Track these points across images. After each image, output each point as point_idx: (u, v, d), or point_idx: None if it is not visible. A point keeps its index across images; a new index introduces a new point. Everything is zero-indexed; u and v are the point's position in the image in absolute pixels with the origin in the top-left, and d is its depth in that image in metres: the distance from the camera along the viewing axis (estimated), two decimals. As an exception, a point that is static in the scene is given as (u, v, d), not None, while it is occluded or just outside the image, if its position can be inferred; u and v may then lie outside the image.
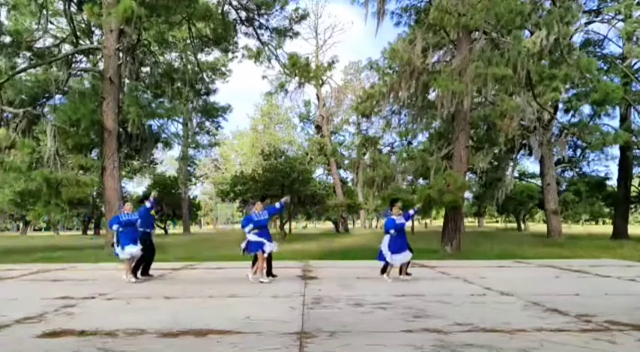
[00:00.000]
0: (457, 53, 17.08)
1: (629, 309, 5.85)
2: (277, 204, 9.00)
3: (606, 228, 36.11)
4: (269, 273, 8.98)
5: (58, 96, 21.85)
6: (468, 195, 27.49)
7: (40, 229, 69.19)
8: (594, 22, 25.00)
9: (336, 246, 20.79)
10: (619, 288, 7.93)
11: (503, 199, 24.82)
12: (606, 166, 44.87)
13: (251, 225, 8.68)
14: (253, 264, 8.93)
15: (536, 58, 16.84)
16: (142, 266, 9.51)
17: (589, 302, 6.36)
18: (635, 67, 25.00)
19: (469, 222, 59.49)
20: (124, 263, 9.31)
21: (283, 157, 39.86)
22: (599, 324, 5.04)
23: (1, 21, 20.64)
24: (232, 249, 17.96)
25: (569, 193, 29.41)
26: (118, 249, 9.09)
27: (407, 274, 9.05)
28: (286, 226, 29.81)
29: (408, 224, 10.54)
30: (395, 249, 8.73)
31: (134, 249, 9.05)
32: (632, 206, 31.03)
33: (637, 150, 26.43)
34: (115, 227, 9.09)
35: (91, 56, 24.23)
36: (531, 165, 39.77)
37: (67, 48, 23.24)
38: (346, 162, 22.64)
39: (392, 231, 8.76)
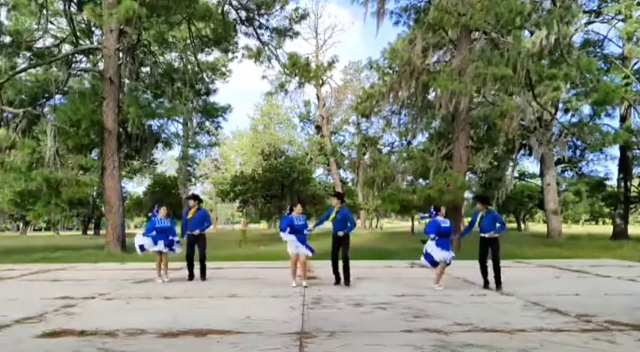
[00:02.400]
0: (457, 53, 17.09)
1: (629, 309, 5.85)
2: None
3: (606, 228, 36.12)
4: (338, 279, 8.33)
5: (58, 96, 21.85)
6: (468, 195, 27.51)
7: (40, 229, 69.24)
8: (594, 22, 25.02)
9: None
10: (619, 288, 7.93)
11: (504, 199, 24.83)
12: (605, 166, 44.91)
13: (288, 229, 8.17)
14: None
15: (536, 57, 16.86)
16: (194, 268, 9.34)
17: (589, 302, 6.36)
18: (636, 67, 25.00)
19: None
20: (156, 263, 9.22)
21: (283, 157, 39.95)
22: (599, 324, 5.04)
23: (1, 21, 20.64)
24: (232, 249, 17.97)
25: (569, 193, 29.40)
26: (142, 243, 8.96)
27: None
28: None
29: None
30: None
31: (157, 248, 8.93)
32: (632, 206, 31.00)
33: (637, 150, 26.43)
34: (144, 239, 8.98)
35: (91, 56, 24.22)
36: (531, 165, 39.81)
37: (67, 48, 23.23)
38: (346, 162, 22.68)
39: (432, 235, 7.87)
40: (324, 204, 34.93)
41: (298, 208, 8.35)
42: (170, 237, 9.05)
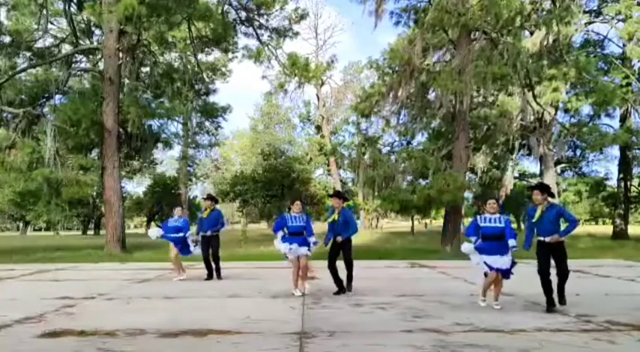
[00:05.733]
0: (457, 53, 17.08)
1: (629, 309, 5.85)
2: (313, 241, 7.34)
3: (606, 228, 36.10)
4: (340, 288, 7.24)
5: (58, 97, 21.84)
6: (468, 195, 27.52)
7: (40, 229, 69.23)
8: (595, 22, 25.00)
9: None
10: (619, 288, 7.93)
11: (504, 199, 24.83)
12: (605, 167, 44.94)
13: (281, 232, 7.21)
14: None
15: (535, 58, 16.87)
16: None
17: (589, 302, 6.35)
18: (636, 66, 24.99)
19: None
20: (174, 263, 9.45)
21: (283, 157, 39.95)
22: (599, 324, 5.04)
23: (1, 21, 20.65)
24: (232, 248, 17.96)
25: (569, 193, 29.35)
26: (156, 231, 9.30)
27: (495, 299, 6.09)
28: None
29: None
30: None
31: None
32: (632, 206, 31.01)
33: (637, 150, 26.44)
34: (158, 234, 9.33)
35: (91, 56, 24.20)
36: (531, 165, 39.80)
37: (67, 48, 23.22)
38: (346, 162, 22.67)
39: (472, 239, 6.20)
40: (325, 204, 34.92)
41: (296, 206, 7.38)
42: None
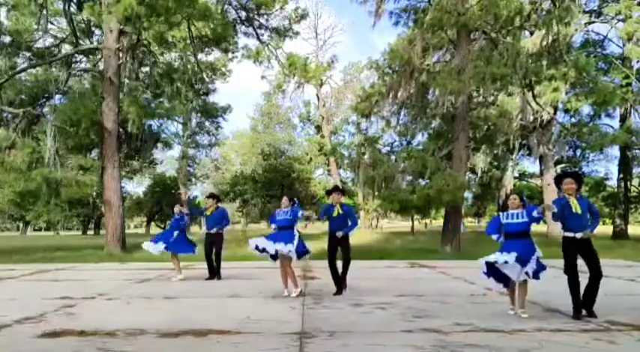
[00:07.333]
0: (457, 53, 17.09)
1: (629, 309, 5.85)
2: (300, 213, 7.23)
3: (606, 228, 36.15)
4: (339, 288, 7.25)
5: (58, 96, 21.85)
6: (467, 194, 27.50)
7: (40, 229, 69.26)
8: (595, 22, 25.00)
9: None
10: (619, 288, 7.92)
11: (504, 199, 24.84)
12: (605, 167, 44.97)
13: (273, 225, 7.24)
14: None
15: (535, 58, 16.87)
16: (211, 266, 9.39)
17: (589, 302, 6.35)
18: (635, 66, 24.99)
19: (469, 222, 59.48)
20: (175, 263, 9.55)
21: (283, 157, 39.97)
22: (599, 324, 5.04)
23: (1, 21, 20.65)
24: (232, 248, 17.97)
25: (569, 193, 29.32)
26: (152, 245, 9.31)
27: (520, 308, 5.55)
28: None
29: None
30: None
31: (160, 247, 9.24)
32: (632, 206, 31.03)
33: (637, 150, 26.44)
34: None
35: (91, 56, 24.20)
36: (531, 165, 39.86)
37: (67, 48, 23.22)
38: (346, 161, 22.68)
39: (494, 237, 5.76)
40: (324, 203, 34.94)
41: (283, 201, 7.26)
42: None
